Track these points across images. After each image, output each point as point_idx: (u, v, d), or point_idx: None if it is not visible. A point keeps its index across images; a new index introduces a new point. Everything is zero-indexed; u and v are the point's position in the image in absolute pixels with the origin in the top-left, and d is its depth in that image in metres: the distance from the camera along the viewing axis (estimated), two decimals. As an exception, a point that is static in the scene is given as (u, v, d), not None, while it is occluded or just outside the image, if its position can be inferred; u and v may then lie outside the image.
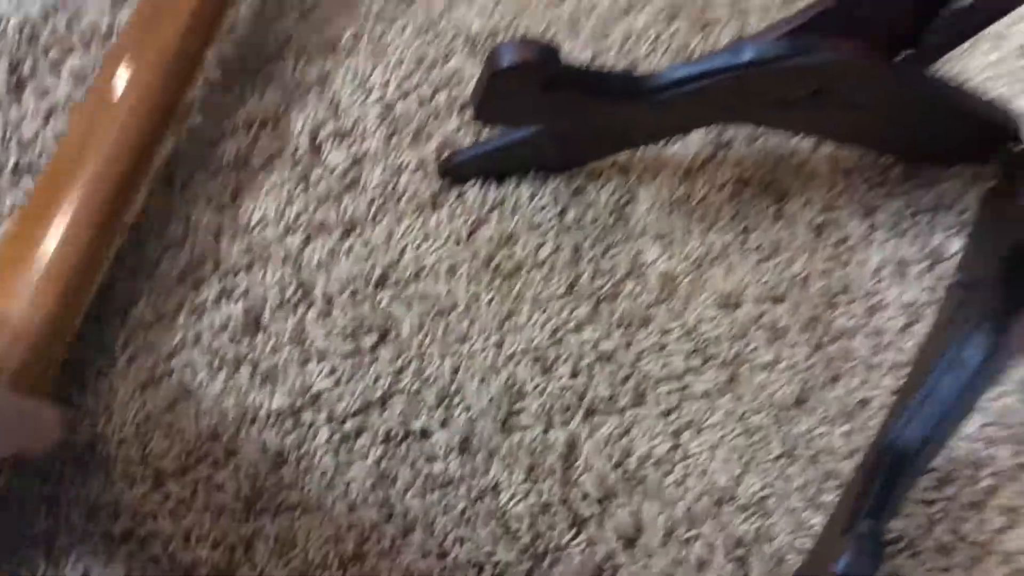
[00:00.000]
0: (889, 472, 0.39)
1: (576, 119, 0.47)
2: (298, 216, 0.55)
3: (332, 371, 0.52)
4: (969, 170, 0.56)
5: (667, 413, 0.52)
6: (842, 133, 0.52)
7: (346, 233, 0.54)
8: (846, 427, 0.51)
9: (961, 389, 0.39)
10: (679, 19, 0.60)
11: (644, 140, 0.54)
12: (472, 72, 0.58)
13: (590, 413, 0.52)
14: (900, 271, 0.54)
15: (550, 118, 0.47)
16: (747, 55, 0.42)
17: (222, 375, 0.52)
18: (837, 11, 0.44)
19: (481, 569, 0.49)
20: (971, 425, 0.51)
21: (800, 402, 0.51)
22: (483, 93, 0.45)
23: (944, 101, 0.47)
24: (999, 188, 0.50)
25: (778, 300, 0.54)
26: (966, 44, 0.55)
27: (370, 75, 0.58)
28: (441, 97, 0.58)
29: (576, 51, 0.59)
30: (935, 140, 0.51)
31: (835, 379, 0.52)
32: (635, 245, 0.54)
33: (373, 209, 0.55)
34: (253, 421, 0.51)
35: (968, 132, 0.51)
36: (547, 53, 0.43)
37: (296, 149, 0.56)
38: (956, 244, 0.54)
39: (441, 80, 0.58)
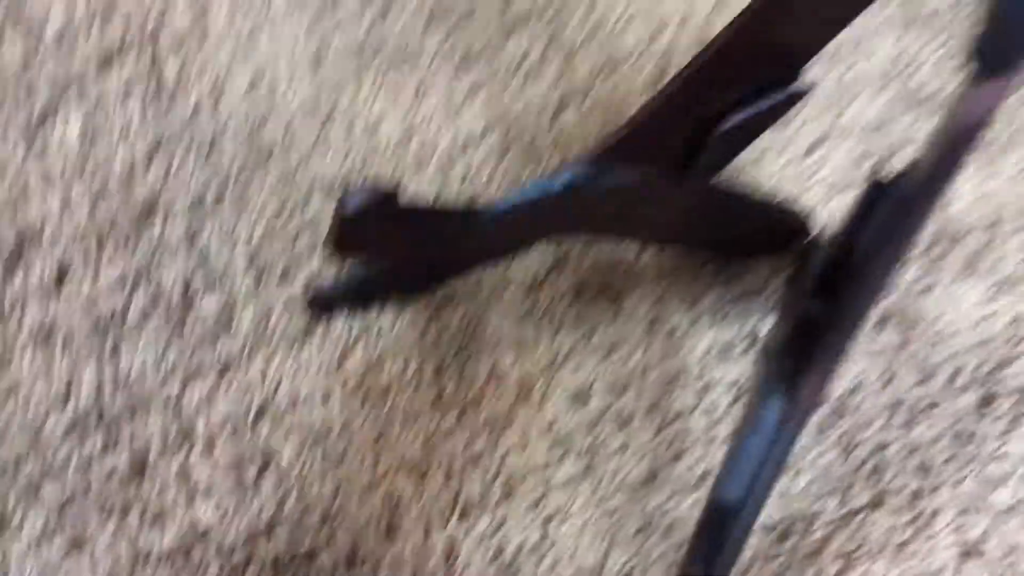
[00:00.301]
0: (717, 530, 0.45)
1: (425, 250, 0.53)
2: (175, 363, 0.58)
3: (218, 506, 0.55)
4: (773, 260, 0.64)
5: (535, 504, 0.57)
6: (657, 238, 0.59)
7: (222, 373, 0.58)
8: (693, 497, 0.57)
9: (767, 448, 0.45)
10: (511, 153, 0.67)
11: (490, 260, 0.61)
12: (329, 214, 0.64)
13: (465, 513, 0.56)
14: (724, 353, 0.61)
15: (402, 251, 0.53)
16: (559, 184, 0.49)
17: (112, 522, 0.54)
18: (633, 138, 0.52)
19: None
20: (799, 483, 0.58)
21: (650, 480, 0.57)
22: (336, 235, 0.50)
23: (735, 205, 0.55)
24: (795, 273, 0.58)
25: (623, 391, 0.60)
26: (755, 153, 0.65)
27: (235, 225, 0.63)
28: (303, 239, 0.63)
29: (423, 188, 0.66)
30: (737, 238, 0.59)
31: (678, 456, 0.58)
32: (492, 355, 0.60)
33: (247, 348, 0.59)
34: (145, 564, 0.54)
35: (764, 229, 0.59)
36: (388, 195, 0.49)
37: (170, 301, 0.60)
38: (769, 324, 0.62)
39: (302, 224, 0.64)
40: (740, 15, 0.46)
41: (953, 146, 0.40)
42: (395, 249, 0.53)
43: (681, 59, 0.70)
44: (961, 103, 0.38)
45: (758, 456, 0.44)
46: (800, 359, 0.46)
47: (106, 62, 0.68)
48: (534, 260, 0.63)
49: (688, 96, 0.47)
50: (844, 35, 0.56)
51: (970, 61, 0.35)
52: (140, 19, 0.70)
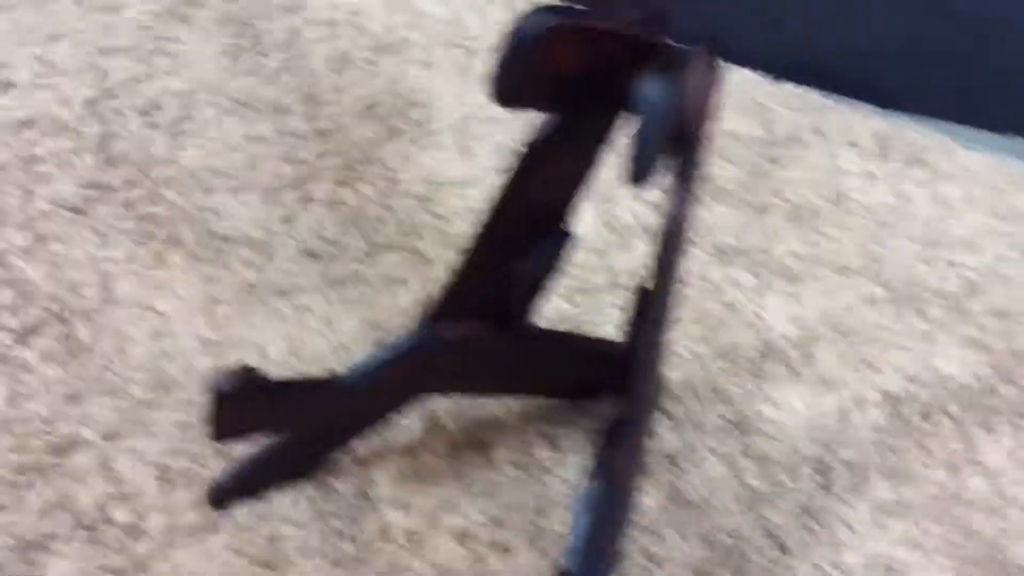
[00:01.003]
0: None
1: (296, 420, 0.61)
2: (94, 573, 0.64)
3: None
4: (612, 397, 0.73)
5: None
6: (509, 390, 0.69)
7: (137, 570, 0.64)
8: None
9: (597, 522, 0.52)
10: (374, 331, 0.77)
11: (363, 428, 0.69)
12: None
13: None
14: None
15: (275, 424, 0.62)
16: (395, 348, 0.59)
17: None
18: (453, 298, 0.62)
19: None
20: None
21: (536, 596, 0.63)
22: (214, 416, 0.59)
23: (559, 344, 0.65)
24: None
25: (502, 525, 0.66)
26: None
27: (144, 447, 0.71)
28: (206, 449, 0.71)
29: (290, 365, 0.75)
30: (576, 378, 0.68)
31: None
32: (382, 514, 0.67)
33: (155, 548, 0.65)
34: None
35: (591, 367, 0.69)
36: (251, 370, 0.58)
37: (88, 518, 0.67)
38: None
39: (204, 438, 0.72)
40: (505, 179, 0.58)
41: (669, 239, 0.51)
42: (268, 423, 0.62)
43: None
44: (666, 210, 0.49)
45: (590, 530, 0.51)
46: (610, 446, 0.54)
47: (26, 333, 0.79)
48: (410, 426, 0.71)
49: (484, 253, 0.58)
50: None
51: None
52: (54, 295, 0.81)
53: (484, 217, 0.57)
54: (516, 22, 0.44)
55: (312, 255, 0.84)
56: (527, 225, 0.56)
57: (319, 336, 0.78)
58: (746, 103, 1.00)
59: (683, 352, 0.78)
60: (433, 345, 0.58)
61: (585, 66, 0.45)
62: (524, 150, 0.52)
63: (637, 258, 0.84)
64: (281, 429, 0.63)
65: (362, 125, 0.95)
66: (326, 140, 0.93)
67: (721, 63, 0.46)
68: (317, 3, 1.09)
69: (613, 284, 0.82)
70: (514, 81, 0.44)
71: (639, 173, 0.42)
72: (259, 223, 0.85)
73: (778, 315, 0.80)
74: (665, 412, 0.74)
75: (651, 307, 0.53)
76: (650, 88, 0.40)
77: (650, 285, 0.54)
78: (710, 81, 0.45)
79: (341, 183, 0.89)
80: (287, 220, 0.86)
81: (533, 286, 0.60)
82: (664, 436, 0.72)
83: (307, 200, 0.88)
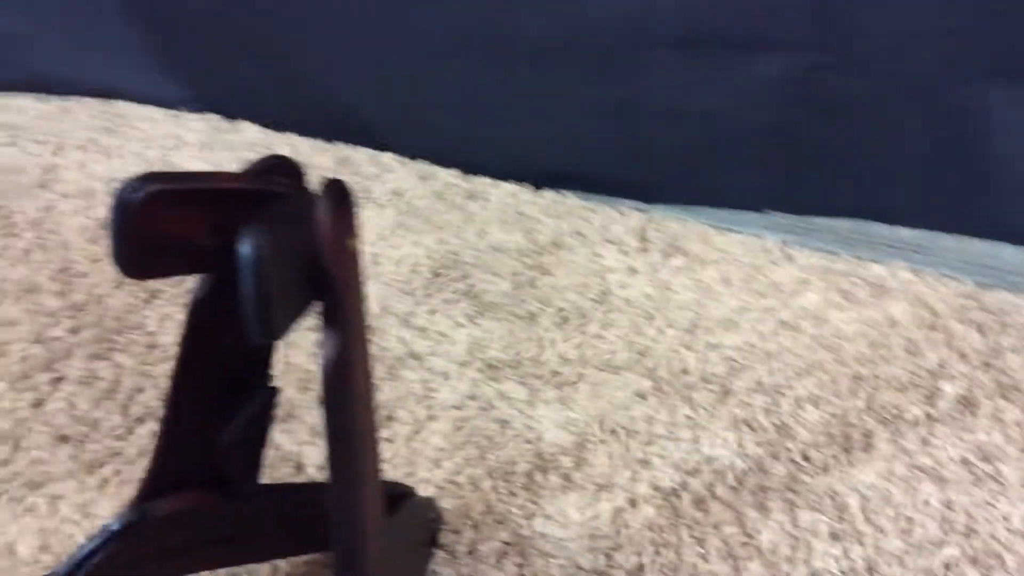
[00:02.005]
0: None
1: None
2: None
3: None
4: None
5: None
6: (245, 557, 0.65)
7: None
8: None
9: None
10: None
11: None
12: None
13: None
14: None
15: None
16: (99, 539, 0.55)
17: None
18: (163, 472, 0.59)
19: None
20: None
21: None
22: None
23: (289, 501, 0.63)
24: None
25: None
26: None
27: None
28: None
29: (42, 563, 0.70)
30: (314, 532, 0.66)
31: None
32: None
33: None
34: None
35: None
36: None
37: None
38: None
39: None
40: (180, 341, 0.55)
41: (332, 383, 0.49)
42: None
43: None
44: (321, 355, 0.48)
45: None
46: None
47: None
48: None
49: (184, 421, 0.55)
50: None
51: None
52: None
53: (172, 382, 0.55)
54: (114, 193, 0.43)
55: (64, 439, 0.79)
56: (222, 386, 0.54)
57: (73, 526, 0.73)
58: (509, 216, 1.01)
59: (459, 479, 0.76)
60: (142, 525, 0.55)
61: (207, 225, 0.44)
62: (188, 310, 0.50)
63: (406, 387, 0.83)
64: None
65: (119, 292, 0.92)
66: (81, 314, 0.90)
67: (353, 201, 0.46)
68: (71, 176, 1.07)
69: (388, 417, 0.81)
70: (129, 253, 0.43)
71: (258, 326, 0.41)
72: (6, 413, 0.81)
73: (550, 424, 0.80)
74: (442, 547, 0.72)
75: (336, 456, 0.51)
76: (243, 240, 0.40)
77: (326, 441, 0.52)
78: (341, 220, 0.45)
79: (96, 357, 0.86)
80: (37, 405, 0.82)
81: (245, 449, 0.58)
82: (441, 572, 0.70)
83: (59, 380, 0.84)
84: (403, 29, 1.01)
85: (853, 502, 0.75)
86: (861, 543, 0.72)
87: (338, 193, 0.45)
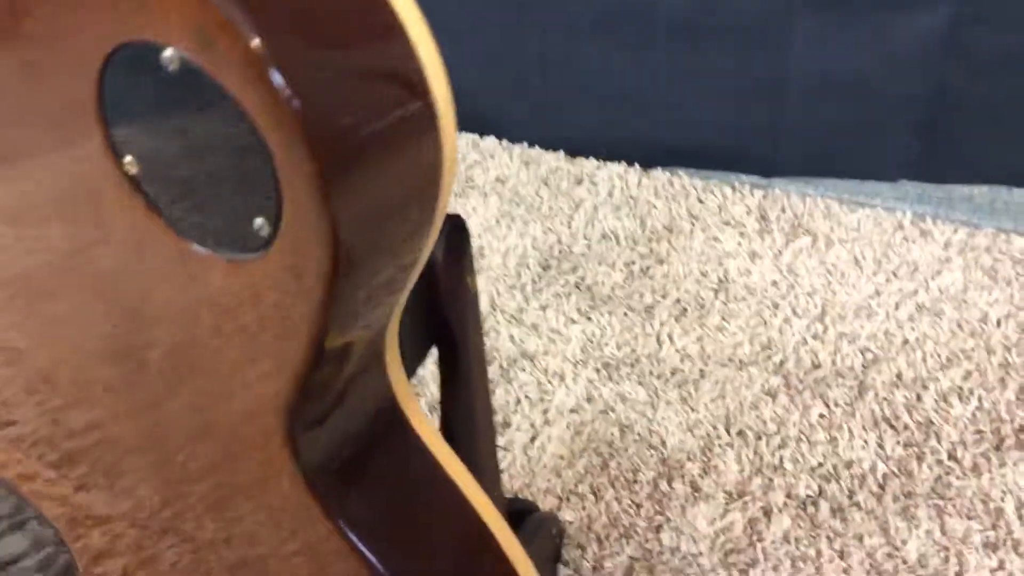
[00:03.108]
0: None
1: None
2: None
3: None
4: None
5: None
6: None
7: None
8: None
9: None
10: None
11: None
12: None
13: None
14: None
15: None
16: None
17: None
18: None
19: None
20: None
21: None
22: None
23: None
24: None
25: None
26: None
27: None
28: None
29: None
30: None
31: None
32: None
33: None
34: None
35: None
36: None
37: None
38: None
39: None
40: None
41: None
42: None
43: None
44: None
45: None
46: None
47: None
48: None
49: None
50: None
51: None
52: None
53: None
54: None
55: None
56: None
57: None
58: (619, 199, 0.97)
59: (581, 489, 0.73)
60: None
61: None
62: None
63: (521, 390, 0.80)
64: None
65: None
66: None
67: (468, 234, 0.42)
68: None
69: (503, 424, 0.78)
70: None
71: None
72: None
73: (674, 427, 0.76)
74: (566, 563, 0.69)
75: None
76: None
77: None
78: (457, 261, 0.41)
79: None
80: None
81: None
82: (566, 590, 0.67)
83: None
84: (531, 9, 0.97)
85: (1008, 507, 0.69)
86: (1019, 553, 0.66)
87: (454, 230, 0.41)
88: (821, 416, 0.76)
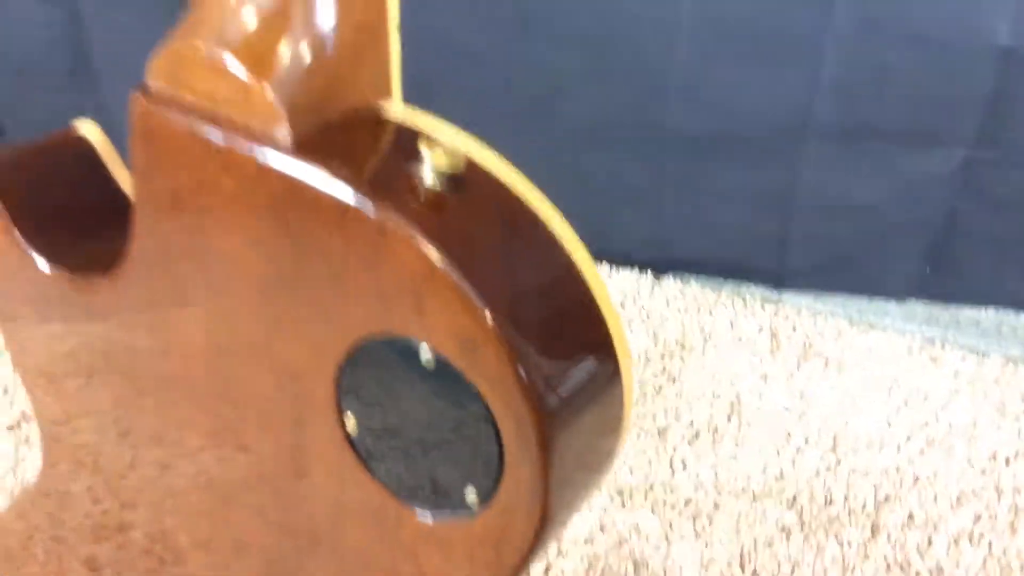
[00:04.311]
0: None
1: None
2: None
3: None
4: None
5: None
6: None
7: None
8: None
9: None
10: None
11: None
12: None
13: None
14: None
15: None
16: None
17: None
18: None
19: None
20: None
21: None
22: None
23: None
24: None
25: None
26: None
27: None
28: None
29: None
30: None
31: None
32: None
33: None
34: None
35: None
36: None
37: None
38: None
39: None
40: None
41: None
42: None
43: None
44: None
45: None
46: None
47: None
48: None
49: None
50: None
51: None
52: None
53: None
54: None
55: None
56: None
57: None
58: (631, 311, 0.97)
59: (593, 626, 0.73)
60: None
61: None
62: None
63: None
64: None
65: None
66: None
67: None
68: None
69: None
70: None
71: None
72: None
73: (689, 563, 0.76)
74: None
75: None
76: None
77: None
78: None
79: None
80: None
81: None
82: None
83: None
84: (540, 116, 0.97)
85: (1020, 661, 0.70)
86: None
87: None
88: (835, 558, 0.76)
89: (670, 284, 0.99)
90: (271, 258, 0.33)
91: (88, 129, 0.42)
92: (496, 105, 0.97)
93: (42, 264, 0.38)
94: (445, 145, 0.31)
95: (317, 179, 0.31)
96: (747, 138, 0.92)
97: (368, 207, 0.31)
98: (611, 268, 1.01)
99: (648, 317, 0.96)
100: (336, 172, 0.31)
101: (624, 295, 0.98)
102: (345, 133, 0.32)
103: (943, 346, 0.92)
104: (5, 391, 0.85)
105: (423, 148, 0.31)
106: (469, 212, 0.32)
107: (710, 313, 0.96)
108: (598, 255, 1.02)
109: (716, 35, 0.88)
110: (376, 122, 0.33)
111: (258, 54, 0.31)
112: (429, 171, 0.31)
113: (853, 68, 0.86)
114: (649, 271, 1.01)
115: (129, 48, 1.10)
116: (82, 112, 1.10)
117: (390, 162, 0.32)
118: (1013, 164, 0.87)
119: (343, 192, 0.31)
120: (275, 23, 0.31)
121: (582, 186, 0.99)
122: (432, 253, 0.30)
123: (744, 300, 0.97)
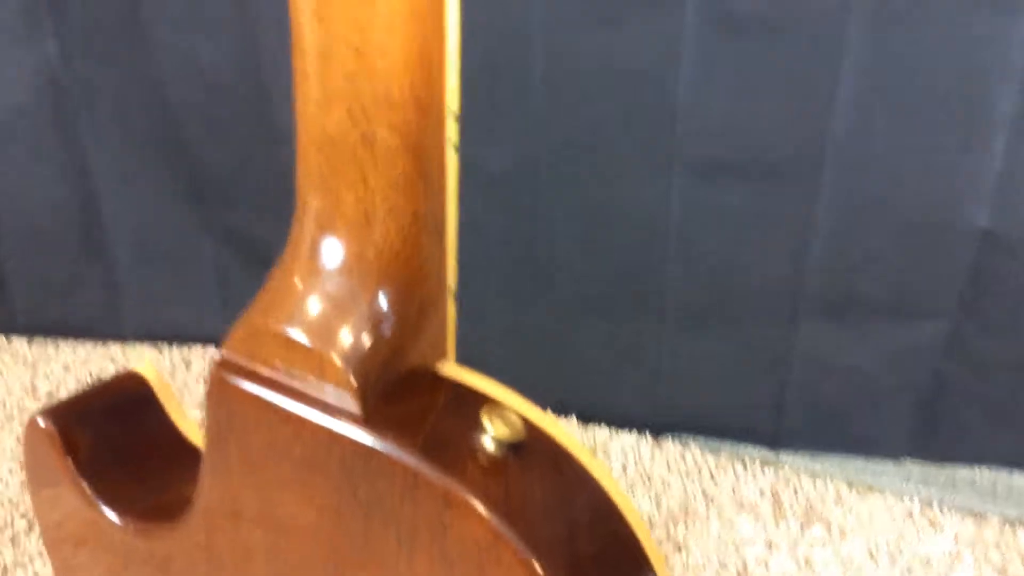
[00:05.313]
0: None
1: None
2: None
3: None
4: None
5: None
6: None
7: None
8: None
9: None
10: None
11: None
12: None
13: None
14: None
15: None
16: None
17: None
18: None
19: None
20: None
21: None
22: None
23: None
24: None
25: None
26: None
27: None
28: None
29: None
30: None
31: None
32: None
33: None
34: None
35: None
36: None
37: None
38: None
39: None
40: None
41: None
42: None
43: None
44: None
45: None
46: None
47: None
48: None
49: None
50: None
51: None
52: None
53: None
54: None
55: None
56: None
57: None
58: (632, 475, 0.98)
59: None
60: None
61: None
62: None
63: None
64: None
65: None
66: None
67: None
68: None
69: None
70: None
71: None
72: None
73: None
74: None
75: None
76: None
77: None
78: None
79: None
80: None
81: None
82: None
83: None
84: (537, 282, 0.99)
85: None
86: None
87: None
88: None
89: (670, 446, 1.01)
90: (340, 522, 0.34)
91: (146, 369, 0.43)
92: (494, 275, 1.00)
93: (111, 515, 0.39)
94: (505, 415, 0.33)
95: (387, 448, 0.33)
96: (740, 309, 0.95)
97: (435, 476, 0.32)
98: (610, 430, 1.02)
99: (650, 481, 0.97)
100: (403, 441, 0.33)
101: (625, 457, 0.99)
102: (408, 399, 0.34)
103: (941, 509, 0.93)
104: None
105: (485, 419, 0.33)
106: (528, 477, 0.33)
107: (711, 477, 0.97)
108: (597, 417, 1.04)
109: (702, 225, 0.92)
110: (435, 386, 0.35)
111: (330, 332, 0.33)
112: (490, 440, 0.33)
113: (839, 249, 0.90)
114: (647, 432, 1.02)
115: (141, 220, 1.13)
116: (88, 280, 1.11)
117: (453, 429, 0.34)
118: (995, 332, 0.90)
119: (411, 460, 0.32)
120: (345, 306, 0.33)
121: (580, 350, 1.01)
122: (496, 523, 0.31)
123: (744, 462, 0.99)
